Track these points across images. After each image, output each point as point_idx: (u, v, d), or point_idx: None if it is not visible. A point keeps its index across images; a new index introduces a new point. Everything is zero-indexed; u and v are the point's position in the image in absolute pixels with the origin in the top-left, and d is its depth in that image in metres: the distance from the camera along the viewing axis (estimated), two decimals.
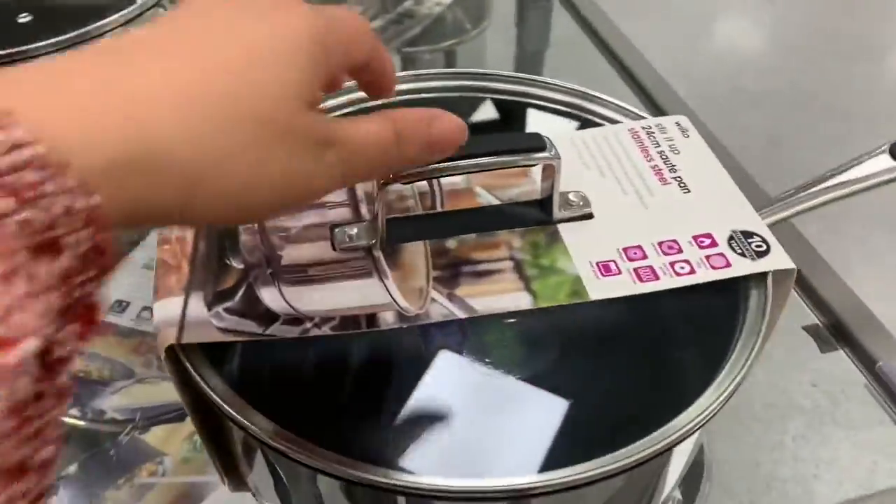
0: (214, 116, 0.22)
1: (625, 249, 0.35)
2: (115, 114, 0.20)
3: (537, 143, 0.34)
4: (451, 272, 0.34)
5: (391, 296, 0.33)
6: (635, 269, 0.34)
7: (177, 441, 0.51)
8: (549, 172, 0.36)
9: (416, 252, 0.35)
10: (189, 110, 0.21)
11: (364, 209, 0.37)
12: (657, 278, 0.34)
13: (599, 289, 0.33)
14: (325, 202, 0.37)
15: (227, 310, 0.32)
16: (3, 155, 0.17)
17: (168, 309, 0.32)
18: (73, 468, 0.49)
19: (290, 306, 0.32)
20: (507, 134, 0.41)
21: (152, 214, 0.22)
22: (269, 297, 0.33)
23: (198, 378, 0.30)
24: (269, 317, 0.32)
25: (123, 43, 0.23)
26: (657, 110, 0.71)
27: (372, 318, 0.32)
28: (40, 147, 0.18)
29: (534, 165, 0.36)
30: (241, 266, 0.34)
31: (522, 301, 0.33)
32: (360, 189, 0.38)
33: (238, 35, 0.23)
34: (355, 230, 0.35)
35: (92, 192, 0.18)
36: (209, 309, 0.32)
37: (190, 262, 0.34)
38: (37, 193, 0.17)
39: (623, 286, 0.33)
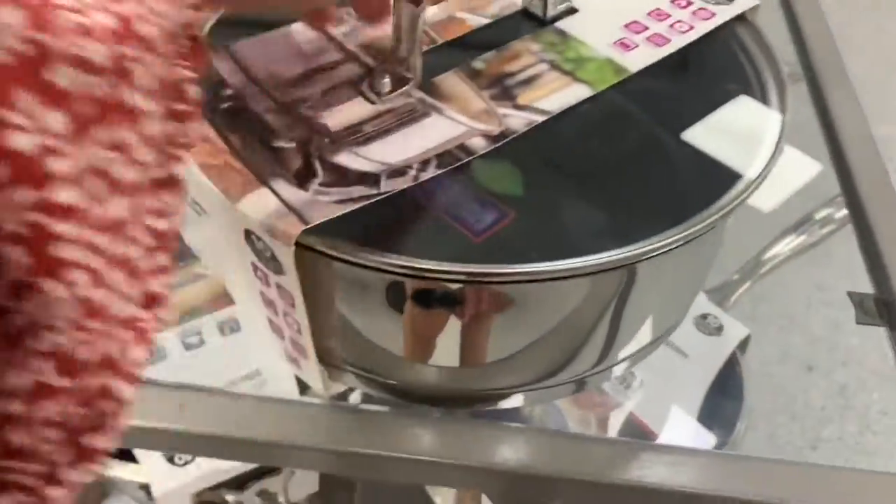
0: None
1: (626, 26, 0.36)
2: None
3: None
4: (499, 89, 0.33)
5: (465, 124, 0.31)
6: (647, 38, 0.36)
7: None
8: None
9: (454, 82, 0.33)
10: None
11: (369, 59, 0.34)
12: (669, 40, 0.36)
13: (633, 62, 0.34)
14: (322, 66, 0.33)
15: (323, 184, 0.28)
16: None
17: (261, 203, 0.27)
18: None
19: (381, 162, 0.29)
20: None
21: None
22: (351, 160, 0.29)
23: (333, 252, 0.27)
24: (370, 177, 0.29)
25: None
26: None
27: (464, 149, 0.30)
28: None
29: None
30: (293, 145, 0.30)
31: (581, 91, 0.33)
32: (351, 44, 0.35)
33: None
34: (386, 78, 0.32)
35: None
36: (305, 190, 0.28)
37: (237, 157, 0.29)
38: None
39: (650, 54, 0.35)
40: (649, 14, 0.37)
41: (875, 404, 1.13)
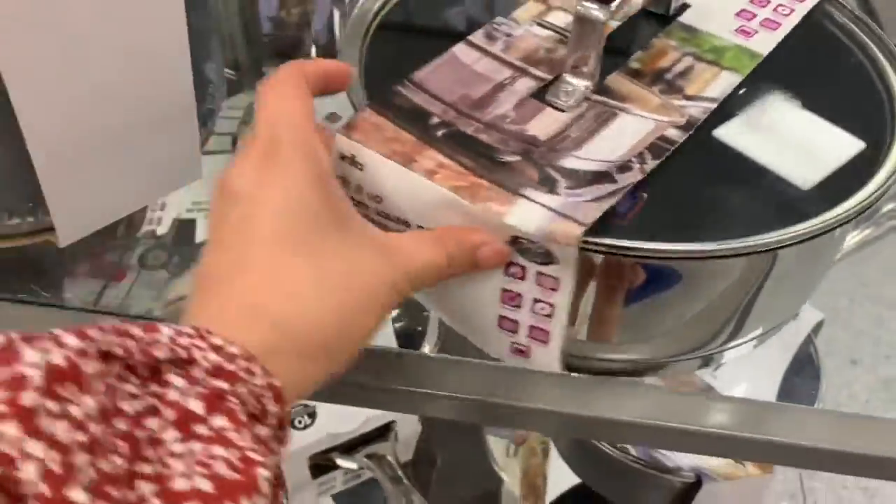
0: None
1: (737, 15, 0.41)
2: (274, 325, 0.27)
3: None
4: (663, 84, 0.37)
5: (654, 119, 0.35)
6: (760, 24, 0.40)
7: None
8: None
9: (622, 83, 0.37)
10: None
11: (538, 71, 0.37)
12: (780, 23, 0.40)
13: (760, 46, 0.39)
14: (500, 83, 0.36)
15: (568, 188, 0.31)
16: (212, 352, 0.24)
17: (528, 213, 0.30)
18: None
19: (604, 160, 0.33)
20: None
21: (309, 389, 0.28)
22: (579, 163, 0.33)
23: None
24: (604, 175, 0.32)
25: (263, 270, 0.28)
26: None
27: (665, 140, 0.34)
28: (234, 348, 0.24)
29: None
30: (519, 157, 0.33)
31: (732, 78, 0.37)
32: (513, 57, 0.37)
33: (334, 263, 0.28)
34: (569, 87, 0.36)
35: (273, 376, 0.25)
36: (558, 195, 0.31)
37: (480, 176, 0.32)
38: (241, 377, 0.24)
39: (770, 37, 0.39)
40: (751, 2, 0.42)
41: None
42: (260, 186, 0.29)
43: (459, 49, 0.38)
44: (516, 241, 0.31)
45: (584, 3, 0.34)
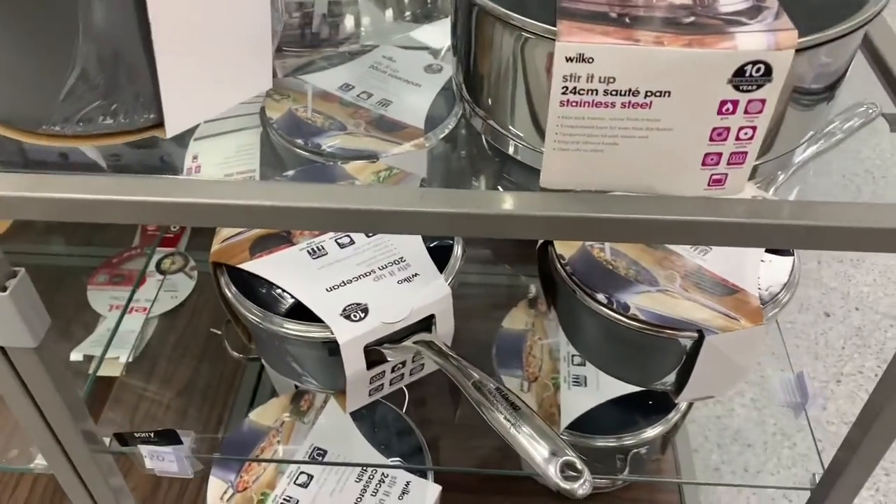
0: None
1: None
2: None
3: None
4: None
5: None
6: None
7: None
8: None
9: None
10: None
11: None
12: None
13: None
14: None
15: (754, 18, 0.41)
16: None
17: (751, 39, 0.38)
18: None
19: None
20: None
21: None
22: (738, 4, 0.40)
23: None
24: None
25: None
26: None
27: None
28: None
29: None
30: (693, 18, 0.40)
31: None
32: None
33: None
34: None
35: None
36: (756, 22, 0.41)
37: (686, 34, 0.40)
38: None
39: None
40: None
41: (889, 341, 1.34)
42: None
43: None
44: (740, 73, 0.38)
45: None
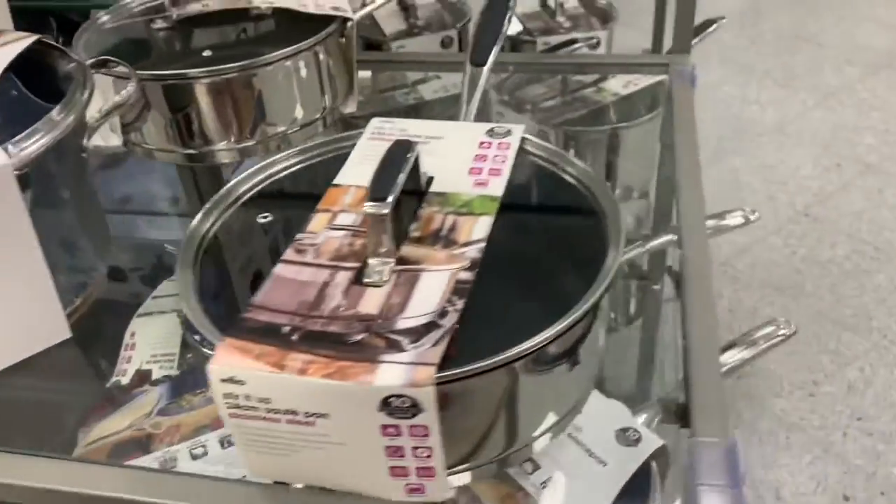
0: None
1: (469, 172, 0.53)
2: None
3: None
4: (442, 241, 0.48)
5: (449, 269, 0.45)
6: (488, 173, 0.53)
7: None
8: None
9: (414, 250, 0.47)
10: None
11: (349, 263, 0.46)
12: (501, 169, 0.53)
13: (494, 191, 0.51)
14: (324, 283, 0.45)
15: (412, 343, 0.40)
16: None
17: (390, 374, 0.38)
18: None
19: (429, 312, 0.42)
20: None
21: None
22: (411, 322, 0.42)
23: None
24: (433, 325, 0.41)
25: None
26: None
27: (463, 282, 0.44)
28: None
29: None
30: (365, 334, 0.41)
31: (487, 220, 0.49)
32: (324, 259, 0.46)
33: None
34: (378, 268, 0.45)
35: None
36: (407, 351, 0.40)
37: (343, 359, 0.39)
38: None
39: (499, 182, 0.52)
40: (475, 159, 0.55)
41: None
42: None
43: (279, 268, 0.46)
44: (387, 404, 0.38)
45: (370, 204, 0.44)
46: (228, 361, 0.40)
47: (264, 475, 0.45)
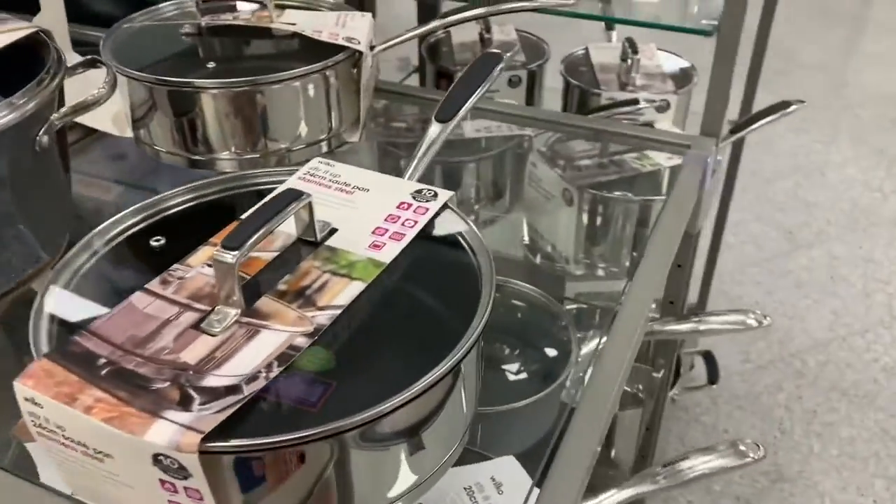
0: None
1: (373, 232, 0.51)
2: None
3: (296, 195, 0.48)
4: (302, 300, 0.46)
5: (288, 331, 0.44)
6: (390, 237, 0.51)
7: None
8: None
9: (268, 304, 0.46)
10: None
11: (201, 305, 0.45)
12: (404, 234, 0.51)
13: (385, 256, 0.49)
14: (166, 320, 0.44)
15: (202, 404, 0.39)
16: None
17: (162, 431, 0.37)
18: None
19: (237, 375, 0.41)
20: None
21: None
22: (215, 381, 0.41)
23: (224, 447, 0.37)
24: (234, 388, 0.40)
25: None
26: None
27: (293, 348, 0.43)
28: None
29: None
30: (168, 384, 0.40)
31: (358, 286, 0.47)
32: (181, 296, 0.46)
33: None
34: (219, 316, 0.44)
35: None
36: (191, 412, 0.39)
37: (131, 405, 0.39)
38: None
39: (395, 248, 0.50)
40: (386, 219, 0.53)
41: None
42: None
43: (136, 297, 0.46)
44: (158, 461, 0.38)
45: (218, 251, 0.44)
46: (31, 382, 0.40)
47: (76, 491, 0.45)
